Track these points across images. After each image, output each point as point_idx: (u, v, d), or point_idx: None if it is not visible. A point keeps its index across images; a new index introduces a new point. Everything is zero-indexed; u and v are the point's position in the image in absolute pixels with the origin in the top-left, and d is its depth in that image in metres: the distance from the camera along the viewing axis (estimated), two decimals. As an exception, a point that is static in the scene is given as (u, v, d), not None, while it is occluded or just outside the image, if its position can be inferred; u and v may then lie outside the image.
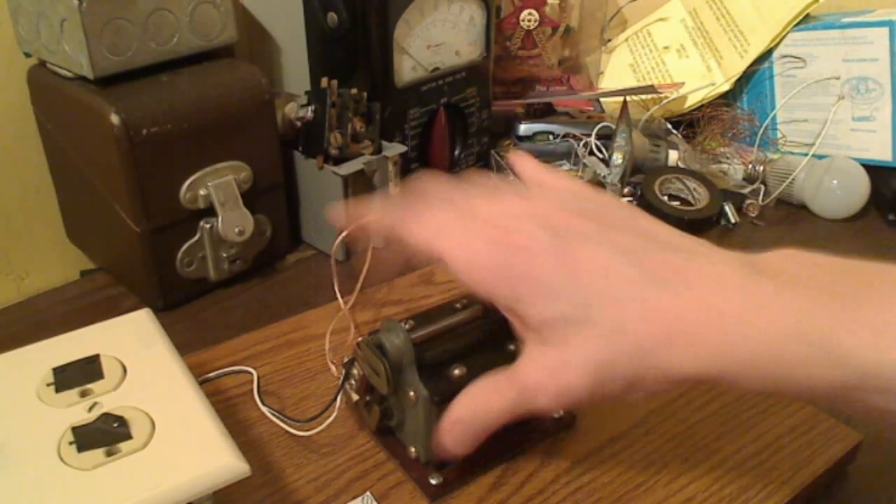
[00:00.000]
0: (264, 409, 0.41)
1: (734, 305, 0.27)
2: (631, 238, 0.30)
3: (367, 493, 0.37)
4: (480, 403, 0.33)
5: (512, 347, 0.37)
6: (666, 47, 0.84)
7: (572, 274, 0.30)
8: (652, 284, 0.29)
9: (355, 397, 0.40)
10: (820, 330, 0.26)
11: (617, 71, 0.86)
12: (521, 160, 0.39)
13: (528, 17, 0.79)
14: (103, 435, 0.33)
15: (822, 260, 0.29)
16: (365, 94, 0.60)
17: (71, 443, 0.33)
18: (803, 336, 0.26)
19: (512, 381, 0.32)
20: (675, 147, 0.73)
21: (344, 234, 0.43)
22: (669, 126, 0.77)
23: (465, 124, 0.71)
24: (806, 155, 0.70)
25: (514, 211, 0.32)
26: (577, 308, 0.29)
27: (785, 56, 0.75)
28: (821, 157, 0.71)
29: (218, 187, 0.54)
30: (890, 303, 0.26)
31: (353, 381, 0.40)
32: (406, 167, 0.65)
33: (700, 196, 0.68)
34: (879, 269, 0.28)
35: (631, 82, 0.84)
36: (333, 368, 0.45)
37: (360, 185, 0.60)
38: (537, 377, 0.31)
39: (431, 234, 0.33)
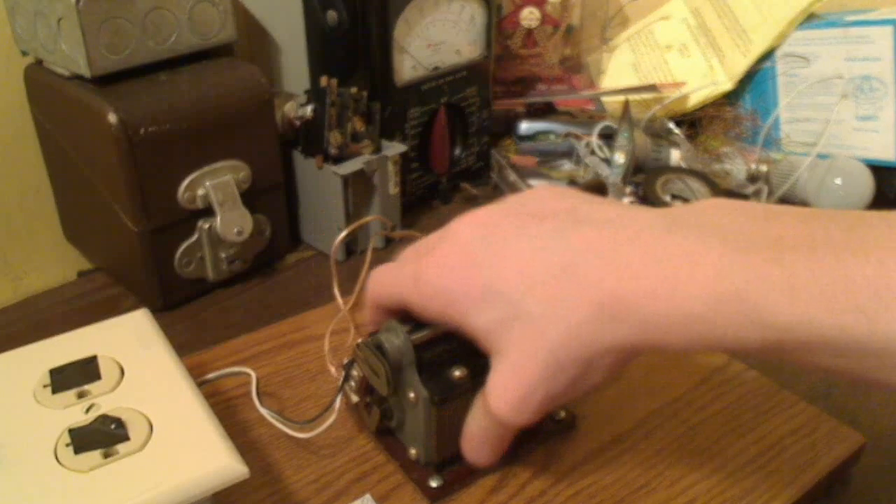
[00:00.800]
0: (263, 410, 0.41)
1: (654, 271, 0.27)
2: (549, 224, 0.30)
3: (367, 494, 0.37)
4: (475, 431, 0.34)
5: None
6: (668, 46, 0.84)
7: (494, 275, 0.30)
8: (571, 264, 0.29)
9: (355, 398, 0.40)
10: (738, 290, 0.25)
11: (618, 70, 0.86)
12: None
13: (529, 16, 0.79)
14: (101, 436, 0.33)
15: (747, 208, 0.28)
16: (365, 94, 0.59)
17: (68, 444, 0.32)
18: (723, 297, 0.26)
19: (485, 406, 0.32)
20: (677, 146, 0.73)
21: (344, 234, 0.43)
22: (671, 125, 0.76)
23: (466, 124, 0.70)
24: (809, 154, 0.70)
25: (435, 238, 0.34)
26: (508, 307, 0.30)
27: (787, 55, 0.75)
28: (823, 156, 0.70)
29: (217, 187, 0.54)
30: (808, 257, 0.25)
31: (352, 383, 0.39)
32: (406, 167, 0.65)
33: (702, 196, 0.67)
34: (804, 217, 0.27)
35: (633, 81, 0.83)
36: (333, 369, 0.45)
37: (359, 184, 0.60)
38: (500, 397, 0.31)
39: (390, 290, 0.35)
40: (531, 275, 0.29)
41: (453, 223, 0.34)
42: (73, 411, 0.35)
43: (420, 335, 0.36)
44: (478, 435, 0.34)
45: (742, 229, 0.27)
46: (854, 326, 0.23)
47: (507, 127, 0.78)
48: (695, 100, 0.78)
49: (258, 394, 0.43)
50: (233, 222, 0.55)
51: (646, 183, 0.67)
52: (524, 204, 0.33)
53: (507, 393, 0.31)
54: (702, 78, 0.79)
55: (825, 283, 0.24)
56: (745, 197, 0.69)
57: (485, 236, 0.32)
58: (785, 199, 0.70)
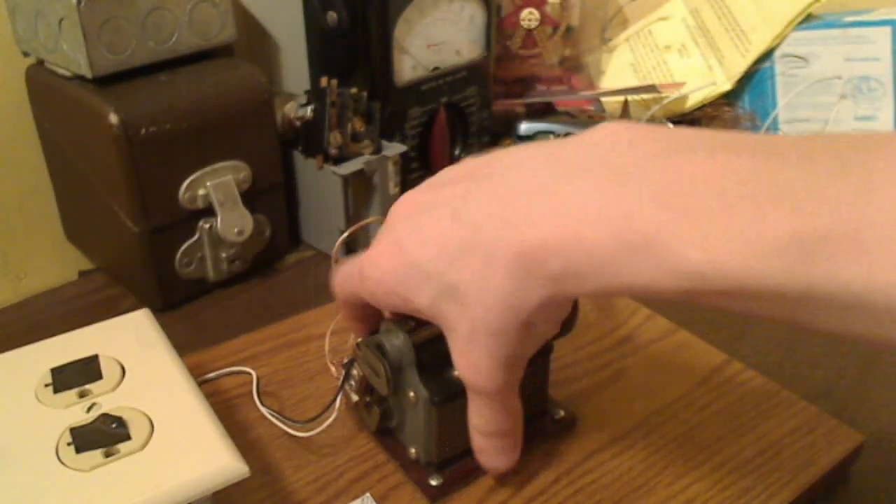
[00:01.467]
0: (264, 409, 0.41)
1: (558, 222, 0.26)
2: (455, 190, 0.30)
3: (367, 494, 0.37)
4: (477, 423, 0.35)
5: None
6: (667, 46, 0.84)
7: (418, 254, 0.30)
8: (477, 230, 0.28)
9: (355, 398, 0.40)
10: (647, 236, 0.24)
11: (618, 70, 0.86)
12: None
13: (529, 17, 0.79)
14: (102, 436, 0.33)
15: (651, 140, 0.26)
16: (365, 94, 0.59)
17: (69, 444, 0.33)
18: (633, 244, 0.24)
19: (466, 387, 0.33)
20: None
21: (345, 235, 0.43)
22: (671, 125, 0.76)
23: (466, 124, 0.70)
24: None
25: (394, 211, 0.34)
26: (438, 283, 0.30)
27: (787, 55, 0.75)
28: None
29: (217, 187, 0.54)
30: (721, 202, 0.23)
31: (352, 382, 0.39)
32: (406, 167, 0.65)
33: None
34: (717, 148, 0.25)
35: (632, 82, 0.83)
36: (333, 369, 0.45)
37: (359, 184, 0.60)
38: (464, 370, 0.32)
39: (349, 286, 0.35)
40: (447, 247, 0.29)
41: (390, 209, 0.34)
42: (75, 410, 0.35)
43: (420, 335, 0.36)
44: (485, 440, 0.35)
45: (648, 168, 0.25)
46: (771, 276, 0.22)
47: (507, 127, 0.78)
48: (694, 100, 0.78)
49: (258, 393, 0.43)
50: (233, 222, 0.55)
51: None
52: (441, 176, 0.33)
53: (471, 365, 0.31)
54: (701, 78, 0.79)
55: (738, 231, 0.22)
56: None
57: (409, 215, 0.32)
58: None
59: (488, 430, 0.34)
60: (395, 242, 0.31)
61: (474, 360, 0.31)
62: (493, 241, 0.28)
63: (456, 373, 0.36)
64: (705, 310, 0.53)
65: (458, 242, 0.29)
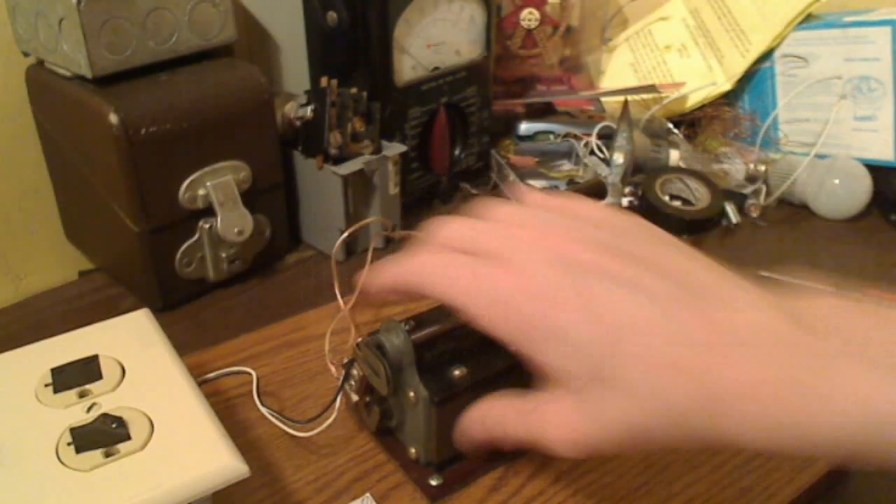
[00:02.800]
0: (264, 409, 0.41)
1: (789, 371, 0.25)
2: (660, 281, 0.28)
3: (367, 494, 0.37)
4: (494, 423, 0.32)
5: (513, 348, 0.37)
6: (667, 47, 0.84)
7: (596, 325, 0.27)
8: (689, 344, 0.26)
9: (355, 398, 0.40)
10: (885, 409, 0.23)
11: (618, 70, 0.86)
12: (521, 192, 0.35)
13: (529, 17, 0.79)
14: (102, 436, 0.33)
15: (869, 312, 0.26)
16: (365, 94, 0.59)
17: (69, 444, 0.33)
18: (865, 417, 0.24)
19: (530, 419, 0.30)
20: (676, 147, 0.73)
21: (345, 235, 0.43)
22: (671, 126, 0.76)
23: (466, 124, 0.70)
24: (807, 155, 0.70)
25: (519, 243, 0.30)
26: (604, 365, 0.27)
27: (786, 55, 0.75)
28: (822, 156, 0.70)
29: (217, 187, 0.54)
30: None
31: (352, 382, 0.39)
32: (406, 167, 0.65)
33: (701, 196, 0.67)
34: None
35: (632, 82, 0.84)
36: (333, 369, 0.45)
37: (359, 184, 0.60)
38: (559, 426, 0.29)
39: (445, 284, 0.31)
40: (638, 345, 0.26)
41: (502, 212, 0.31)
42: (75, 410, 0.35)
43: (420, 335, 0.36)
44: (475, 431, 0.33)
45: (872, 336, 0.25)
46: None
47: (506, 127, 0.78)
48: (694, 100, 0.78)
49: (258, 393, 0.43)
50: (233, 222, 0.55)
51: (645, 183, 0.67)
52: (611, 233, 0.30)
53: (569, 430, 0.28)
54: (701, 78, 0.79)
55: None
56: (743, 197, 0.69)
57: (573, 265, 0.28)
58: (783, 200, 0.71)
59: (494, 434, 0.33)
60: (550, 294, 0.28)
61: (580, 434, 0.28)
62: (703, 360, 0.26)
63: (456, 372, 0.36)
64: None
65: (655, 345, 0.26)
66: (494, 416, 0.32)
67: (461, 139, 0.71)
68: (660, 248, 0.30)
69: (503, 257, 0.30)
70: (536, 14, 0.79)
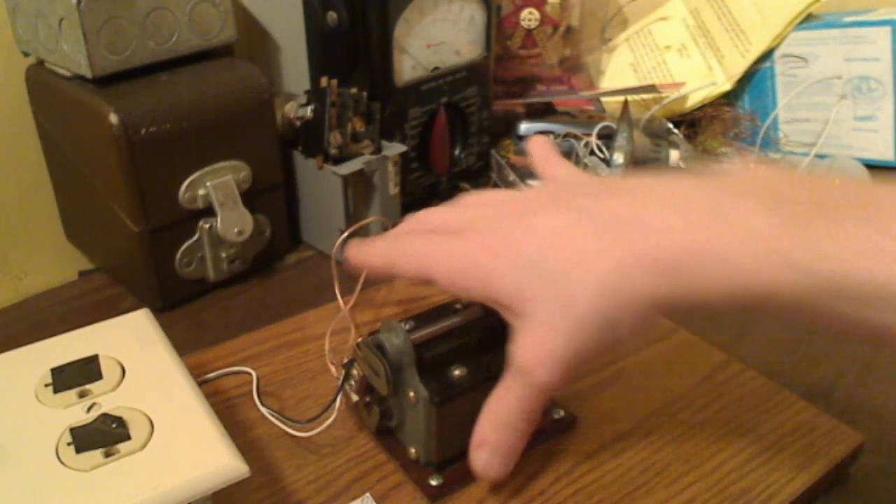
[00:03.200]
0: (264, 409, 0.41)
1: (701, 230, 0.28)
2: (588, 195, 0.32)
3: (367, 494, 0.37)
4: (497, 410, 0.34)
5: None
6: (667, 47, 0.84)
7: (525, 241, 0.31)
8: (610, 228, 0.30)
9: (355, 398, 0.40)
10: (786, 247, 0.27)
11: (618, 70, 0.86)
12: (538, 146, 0.41)
13: (529, 17, 0.79)
14: (102, 436, 0.33)
15: (782, 175, 0.31)
16: (365, 94, 0.59)
17: (69, 444, 0.32)
18: (772, 252, 0.27)
19: (512, 372, 0.33)
20: (676, 147, 0.73)
21: (345, 234, 0.43)
22: (670, 126, 0.76)
23: (466, 124, 0.70)
24: (807, 155, 0.70)
25: (476, 216, 0.35)
26: (539, 270, 0.31)
27: (786, 55, 0.75)
28: (822, 156, 0.70)
29: (217, 187, 0.54)
30: (847, 218, 0.27)
31: (352, 382, 0.39)
32: (406, 167, 0.65)
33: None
34: (849, 189, 0.29)
35: (632, 82, 0.84)
36: (333, 369, 0.45)
37: (359, 184, 0.60)
38: (527, 354, 0.32)
39: (416, 260, 0.35)
40: (568, 240, 0.30)
41: (469, 199, 0.36)
42: (75, 410, 0.35)
43: (420, 335, 0.36)
44: (493, 431, 0.34)
45: (775, 189, 0.29)
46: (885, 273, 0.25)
47: (506, 127, 0.78)
48: (694, 100, 0.78)
49: (258, 393, 0.43)
50: (233, 222, 0.55)
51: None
52: (565, 187, 0.35)
53: (541, 350, 0.31)
54: (701, 78, 0.79)
55: (853, 240, 0.26)
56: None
57: (500, 217, 0.33)
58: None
59: (503, 420, 0.34)
60: (500, 235, 0.33)
61: (548, 346, 0.31)
62: (626, 236, 0.29)
63: (456, 372, 0.36)
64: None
65: (582, 235, 0.30)
66: (493, 406, 0.35)
67: (461, 139, 0.71)
68: (601, 180, 0.36)
69: (462, 229, 0.34)
70: (536, 14, 0.79)
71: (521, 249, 0.31)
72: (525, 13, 0.79)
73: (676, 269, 0.28)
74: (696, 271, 0.28)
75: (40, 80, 0.56)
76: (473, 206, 0.37)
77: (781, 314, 0.28)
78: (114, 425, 0.33)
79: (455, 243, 0.34)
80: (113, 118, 0.48)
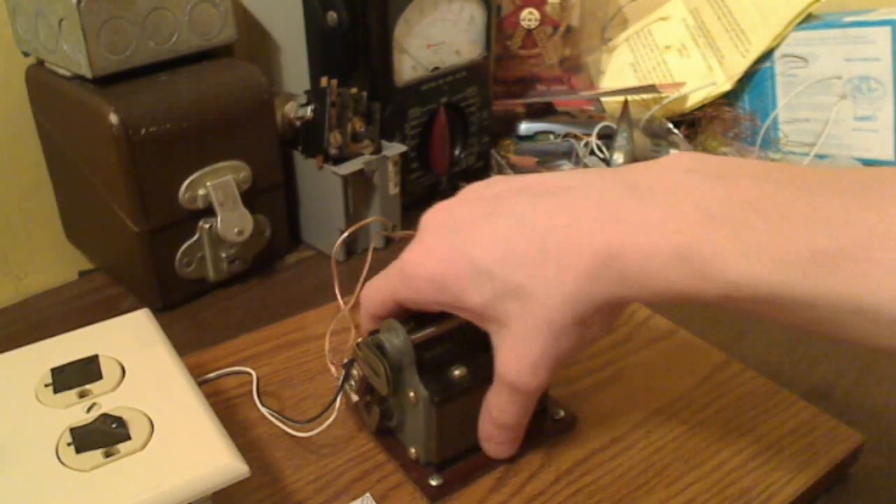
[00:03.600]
0: (264, 409, 0.41)
1: (621, 231, 0.29)
2: (516, 200, 0.33)
3: (367, 494, 0.37)
4: (493, 412, 0.36)
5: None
6: (667, 47, 0.84)
7: (478, 254, 0.32)
8: (548, 237, 0.31)
9: (355, 398, 0.40)
10: (693, 249, 0.28)
11: (618, 70, 0.86)
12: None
13: (529, 17, 0.79)
14: (102, 436, 0.33)
15: (706, 168, 0.30)
16: (365, 94, 0.59)
17: (69, 444, 0.32)
18: (679, 255, 0.28)
19: (498, 381, 0.35)
20: (676, 147, 0.73)
21: (345, 235, 0.43)
22: (671, 126, 0.76)
23: (466, 124, 0.70)
24: (807, 155, 0.70)
25: (430, 223, 0.36)
26: (500, 283, 0.32)
27: (786, 55, 0.75)
28: (822, 156, 0.70)
29: (217, 187, 0.54)
30: (760, 221, 0.27)
31: (352, 382, 0.39)
32: (406, 167, 0.65)
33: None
34: (763, 177, 0.28)
35: (632, 82, 0.84)
36: (333, 369, 0.45)
37: (359, 184, 0.60)
38: (509, 366, 0.33)
39: (383, 294, 0.37)
40: (515, 252, 0.31)
41: (422, 220, 0.36)
42: (75, 410, 0.35)
43: (420, 335, 0.36)
44: (497, 430, 0.37)
45: (700, 191, 0.29)
46: (798, 286, 0.26)
47: (506, 127, 0.78)
48: (694, 100, 0.78)
49: (258, 393, 0.43)
50: (233, 222, 0.55)
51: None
52: (487, 187, 0.35)
53: (520, 362, 0.33)
54: (701, 78, 0.79)
55: (770, 247, 0.26)
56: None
57: (458, 223, 0.34)
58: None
59: (504, 422, 0.36)
60: (448, 244, 0.33)
61: (527, 358, 0.33)
62: (566, 247, 0.30)
63: (456, 372, 0.36)
64: (705, 310, 0.53)
65: (528, 247, 0.31)
66: (487, 412, 0.37)
67: (461, 139, 0.71)
68: (519, 180, 0.35)
69: (412, 245, 0.35)
70: (536, 14, 0.79)
71: (479, 261, 0.32)
72: (525, 13, 0.79)
73: (608, 273, 0.30)
74: (632, 276, 0.29)
75: (40, 80, 0.56)
76: (437, 211, 0.37)
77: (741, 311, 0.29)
78: (114, 425, 0.33)
79: (402, 261, 0.35)
80: (113, 118, 0.48)
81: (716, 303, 0.28)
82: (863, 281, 0.25)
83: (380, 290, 0.37)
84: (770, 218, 0.27)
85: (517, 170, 0.72)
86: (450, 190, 0.71)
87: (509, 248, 0.32)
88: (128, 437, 0.33)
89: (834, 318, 0.26)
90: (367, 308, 0.39)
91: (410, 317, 0.37)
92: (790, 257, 0.26)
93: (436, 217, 0.35)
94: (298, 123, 0.60)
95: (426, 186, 0.69)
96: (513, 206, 0.33)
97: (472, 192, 0.36)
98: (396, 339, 0.36)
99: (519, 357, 0.33)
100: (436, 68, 0.66)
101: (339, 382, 0.40)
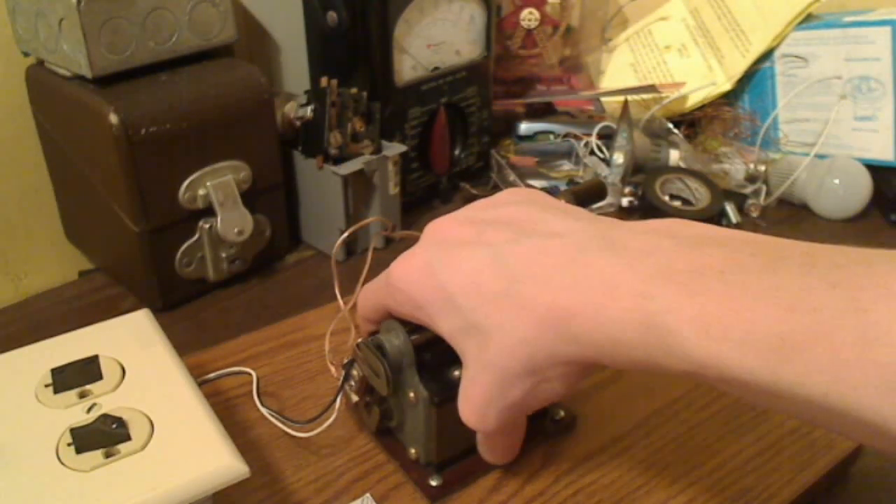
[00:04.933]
0: (264, 410, 0.41)
1: (583, 292, 0.28)
2: (500, 235, 0.32)
3: (367, 494, 0.37)
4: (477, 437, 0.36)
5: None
6: (667, 47, 0.84)
7: (450, 284, 0.32)
8: (515, 282, 0.30)
9: (355, 398, 0.40)
10: (654, 320, 0.26)
11: (618, 70, 0.86)
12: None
13: (529, 17, 0.79)
14: (102, 436, 0.33)
15: (685, 234, 0.28)
16: (365, 94, 0.59)
17: (69, 444, 0.33)
18: (643, 325, 0.26)
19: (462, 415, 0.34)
20: (676, 147, 0.73)
21: (345, 234, 0.43)
22: (670, 126, 0.76)
23: (466, 124, 0.70)
24: (807, 154, 0.70)
25: (426, 234, 0.35)
26: (464, 318, 0.31)
27: (786, 55, 0.75)
28: (822, 156, 0.70)
29: (217, 187, 0.54)
30: (722, 295, 0.25)
31: (352, 382, 0.39)
32: (406, 167, 0.65)
33: (701, 196, 0.67)
34: (734, 247, 0.27)
35: (632, 82, 0.84)
36: (333, 369, 0.45)
37: (359, 184, 0.60)
38: (463, 406, 0.33)
39: (374, 302, 0.37)
40: (480, 289, 0.31)
41: (427, 226, 0.35)
42: (75, 411, 0.35)
43: (420, 335, 0.36)
44: (484, 438, 0.36)
45: (670, 256, 0.27)
46: (759, 372, 0.24)
47: (506, 127, 0.78)
48: (694, 100, 0.78)
49: (258, 393, 0.43)
50: (233, 222, 0.55)
51: (645, 183, 0.67)
52: (486, 209, 0.35)
53: (469, 403, 0.33)
54: (701, 78, 0.79)
55: (734, 326, 0.24)
56: (743, 197, 0.69)
57: (447, 242, 0.33)
58: (783, 200, 0.71)
59: (485, 444, 0.37)
60: (428, 264, 0.33)
61: (474, 400, 0.32)
62: (529, 295, 0.29)
63: (456, 373, 0.36)
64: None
65: (494, 287, 0.30)
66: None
67: (461, 139, 0.71)
68: (520, 208, 0.34)
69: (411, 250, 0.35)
70: (536, 14, 0.79)
71: (450, 292, 0.32)
72: (525, 13, 0.79)
73: (565, 331, 0.28)
74: (592, 340, 0.28)
75: (40, 80, 0.56)
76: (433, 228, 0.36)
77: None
78: (114, 426, 0.33)
79: (390, 270, 0.35)
80: (113, 118, 0.48)
81: (683, 377, 0.27)
82: (826, 375, 0.22)
83: (371, 295, 0.37)
84: (738, 292, 0.24)
85: (517, 170, 0.72)
86: (450, 190, 0.71)
87: (476, 283, 0.31)
88: (128, 438, 0.33)
89: (803, 410, 0.24)
90: (361, 312, 0.39)
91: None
92: (755, 340, 0.23)
93: (433, 230, 0.35)
94: (298, 123, 0.60)
95: (426, 186, 0.69)
96: (495, 238, 0.32)
97: (472, 211, 0.35)
98: (396, 340, 0.36)
99: (467, 398, 0.33)
100: (436, 68, 0.66)
101: (339, 383, 0.40)
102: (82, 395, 0.36)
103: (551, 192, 0.46)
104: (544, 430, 0.40)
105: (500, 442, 0.36)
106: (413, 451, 0.38)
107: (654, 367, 0.27)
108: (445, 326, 0.32)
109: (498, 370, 0.31)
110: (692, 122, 0.77)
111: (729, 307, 0.24)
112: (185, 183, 0.53)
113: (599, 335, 0.28)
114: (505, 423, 0.33)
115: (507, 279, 0.30)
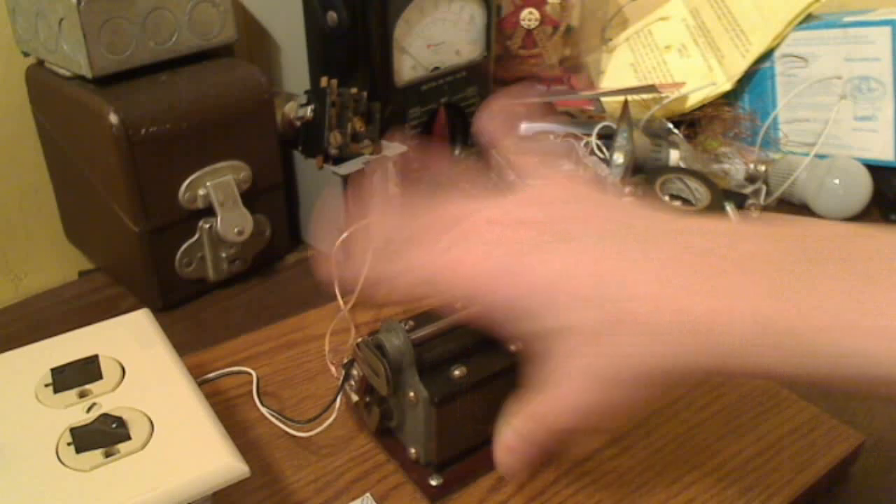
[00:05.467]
0: (264, 409, 0.41)
1: (697, 299, 0.27)
2: (609, 227, 0.30)
3: (367, 494, 0.37)
4: (509, 439, 0.32)
5: (513, 348, 0.37)
6: (667, 47, 0.84)
7: (544, 283, 0.29)
8: (618, 283, 0.28)
9: (355, 398, 0.40)
10: (782, 323, 0.25)
11: (618, 70, 0.86)
12: (519, 158, 0.41)
13: (529, 17, 0.79)
14: (102, 436, 0.33)
15: (790, 233, 0.28)
16: (365, 94, 0.59)
17: (69, 444, 0.33)
18: (769, 330, 0.25)
19: (531, 414, 0.31)
20: (676, 147, 0.73)
21: (345, 234, 0.43)
22: (670, 126, 0.76)
23: (466, 124, 0.70)
24: (807, 154, 0.70)
25: (496, 218, 0.34)
26: (557, 316, 0.29)
27: (786, 55, 0.75)
28: (822, 156, 0.70)
29: (217, 187, 0.54)
30: (843, 286, 0.25)
31: (352, 382, 0.39)
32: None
33: (701, 196, 0.67)
34: (844, 256, 0.26)
35: (632, 82, 0.83)
36: (333, 369, 0.45)
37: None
38: (546, 401, 0.30)
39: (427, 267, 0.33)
40: (578, 291, 0.29)
41: (513, 207, 0.34)
42: (75, 410, 0.35)
43: (420, 335, 0.36)
44: (516, 446, 0.32)
45: (781, 257, 0.27)
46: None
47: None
48: (694, 100, 0.78)
49: (258, 393, 0.43)
50: (233, 222, 0.55)
51: (645, 183, 0.67)
52: (560, 211, 0.33)
53: (561, 400, 0.30)
54: (701, 78, 0.79)
55: (879, 318, 0.24)
56: (743, 197, 0.69)
57: (534, 240, 0.31)
58: (783, 200, 0.71)
59: (521, 449, 0.33)
60: (522, 261, 0.30)
61: (572, 397, 0.29)
62: (632, 296, 0.28)
63: (456, 373, 0.36)
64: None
65: (595, 283, 0.28)
66: (511, 438, 0.32)
67: (461, 139, 0.71)
68: (576, 205, 0.33)
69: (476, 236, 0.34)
70: (536, 14, 0.79)
71: (543, 288, 0.29)
72: (525, 13, 0.79)
73: (705, 342, 0.27)
74: (722, 348, 0.27)
75: (40, 80, 0.56)
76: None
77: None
78: (114, 425, 0.33)
79: (452, 260, 0.32)
80: (113, 118, 0.48)
81: (809, 382, 0.26)
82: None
83: (406, 279, 0.33)
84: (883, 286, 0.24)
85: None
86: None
87: (577, 280, 0.29)
88: (128, 437, 0.33)
89: None
90: (398, 283, 0.34)
91: (410, 317, 0.37)
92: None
93: (504, 218, 0.33)
94: (298, 123, 0.60)
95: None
96: (602, 232, 0.30)
97: (550, 208, 0.33)
98: (396, 340, 0.36)
99: (566, 398, 0.30)
100: (436, 68, 0.66)
101: (339, 382, 0.40)
102: (82, 395, 0.36)
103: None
104: (544, 429, 0.40)
105: (539, 458, 0.33)
106: (413, 451, 0.38)
107: (776, 374, 0.26)
108: (529, 325, 0.30)
109: (597, 372, 0.29)
110: (692, 122, 0.77)
111: (874, 304, 0.24)
112: (185, 183, 0.53)
113: (711, 345, 0.26)
114: (593, 425, 0.31)
115: (607, 282, 0.28)
